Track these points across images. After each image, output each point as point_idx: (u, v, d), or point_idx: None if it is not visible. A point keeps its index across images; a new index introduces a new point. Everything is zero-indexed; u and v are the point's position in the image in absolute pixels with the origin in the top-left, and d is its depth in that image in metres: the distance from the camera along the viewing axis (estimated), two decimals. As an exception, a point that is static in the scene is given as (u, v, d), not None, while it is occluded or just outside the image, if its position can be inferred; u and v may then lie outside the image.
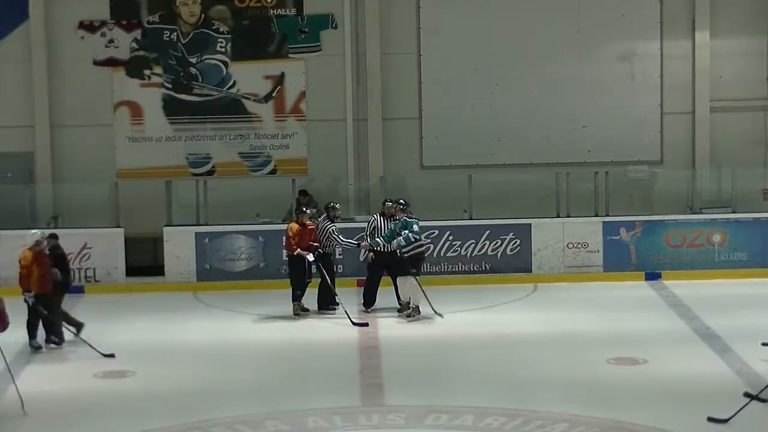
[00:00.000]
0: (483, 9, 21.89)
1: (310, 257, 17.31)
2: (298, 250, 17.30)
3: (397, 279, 17.37)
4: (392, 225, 17.37)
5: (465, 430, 12.16)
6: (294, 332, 16.83)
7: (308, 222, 17.58)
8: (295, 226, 17.43)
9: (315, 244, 17.48)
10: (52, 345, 15.63)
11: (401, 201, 17.62)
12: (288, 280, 17.72)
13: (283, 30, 21.89)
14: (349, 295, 18.15)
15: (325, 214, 18.07)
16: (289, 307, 17.64)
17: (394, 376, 14.31)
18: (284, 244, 17.92)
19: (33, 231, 15.83)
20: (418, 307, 17.15)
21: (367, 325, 16.83)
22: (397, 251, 17.25)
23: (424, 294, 17.09)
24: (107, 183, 20.82)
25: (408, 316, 17.15)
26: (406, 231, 17.03)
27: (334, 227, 17.80)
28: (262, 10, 21.85)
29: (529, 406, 12.76)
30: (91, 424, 12.63)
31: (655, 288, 19.34)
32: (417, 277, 17.15)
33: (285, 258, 18.13)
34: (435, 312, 17.04)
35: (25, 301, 15.25)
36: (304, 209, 17.77)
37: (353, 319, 16.94)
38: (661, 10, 21.95)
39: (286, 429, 12.24)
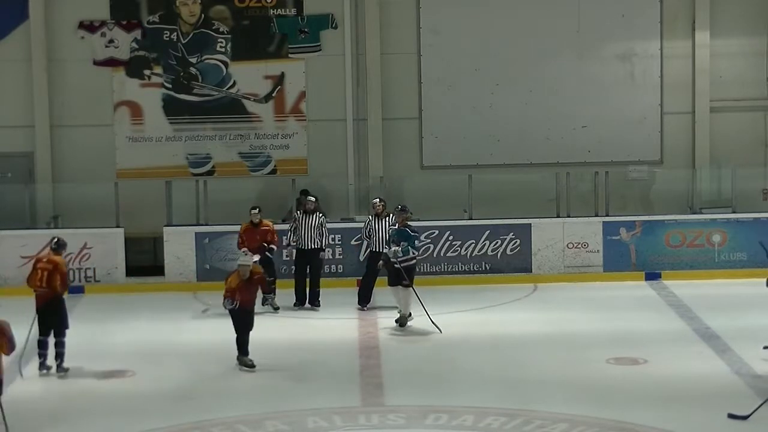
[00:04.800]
0: (483, 9, 21.89)
1: (255, 258, 17.41)
2: (244, 248, 17.51)
3: (392, 288, 16.83)
4: (391, 232, 16.99)
5: (465, 430, 12.17)
6: (294, 332, 16.83)
7: (264, 222, 18.03)
8: (244, 225, 17.90)
9: (270, 245, 17.89)
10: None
11: (399, 206, 17.23)
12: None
13: (283, 30, 21.88)
14: (349, 295, 18.18)
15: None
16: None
17: (394, 376, 14.32)
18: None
19: (247, 255, 15.31)
20: (410, 314, 16.62)
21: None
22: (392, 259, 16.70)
23: (423, 306, 16.47)
24: (107, 183, 20.80)
25: (401, 324, 16.60)
26: (405, 243, 16.55)
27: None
28: (262, 10, 21.85)
29: (529, 406, 12.77)
30: (91, 424, 12.65)
31: (655, 288, 19.33)
32: (413, 287, 16.55)
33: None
34: (434, 324, 16.37)
35: (228, 307, 14.64)
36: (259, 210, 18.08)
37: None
38: (661, 10, 21.95)
39: (286, 429, 12.25)
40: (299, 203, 19.86)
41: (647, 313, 17.51)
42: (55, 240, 14.90)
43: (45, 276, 14.43)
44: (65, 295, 14.70)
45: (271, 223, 18.32)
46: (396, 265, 16.53)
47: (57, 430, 12.60)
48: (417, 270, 18.80)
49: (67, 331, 14.55)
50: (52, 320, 14.43)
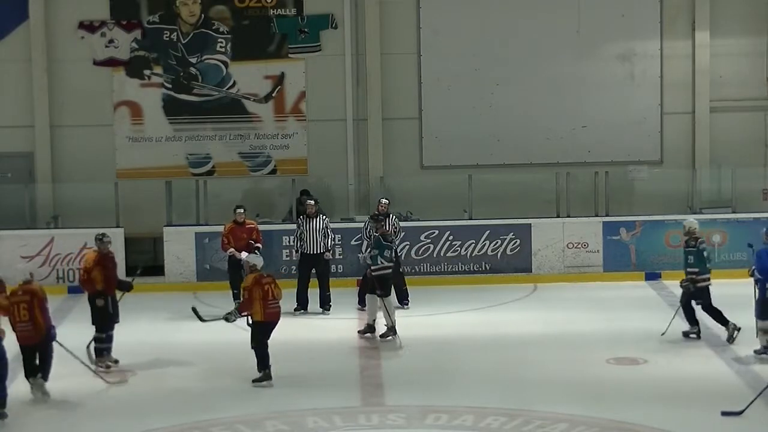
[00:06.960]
0: (483, 9, 21.90)
1: (243, 255, 17.40)
2: (231, 249, 17.68)
3: (366, 297, 16.45)
4: (373, 239, 16.70)
5: (465, 430, 12.17)
6: (293, 332, 16.79)
7: (248, 221, 18.07)
8: (228, 225, 17.95)
9: (257, 244, 17.83)
10: None
11: (374, 213, 17.17)
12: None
13: (283, 30, 21.89)
14: (349, 295, 18.18)
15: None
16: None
17: (394, 376, 14.32)
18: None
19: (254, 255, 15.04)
20: (393, 326, 16.06)
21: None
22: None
23: (391, 317, 15.98)
24: (107, 183, 20.80)
25: (381, 335, 16.11)
26: (376, 251, 16.11)
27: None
28: (262, 10, 21.85)
29: (529, 406, 12.77)
30: (92, 424, 12.65)
31: (655, 288, 19.34)
32: (385, 299, 16.05)
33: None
34: (398, 340, 15.81)
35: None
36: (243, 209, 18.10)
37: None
38: (661, 10, 21.96)
39: (286, 429, 12.25)
40: (299, 204, 19.88)
41: (647, 313, 17.49)
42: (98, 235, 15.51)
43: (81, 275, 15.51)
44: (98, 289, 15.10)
45: (254, 222, 18.35)
46: (371, 274, 16.19)
47: (57, 430, 12.60)
48: (417, 270, 18.90)
49: (80, 330, 14.93)
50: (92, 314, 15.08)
